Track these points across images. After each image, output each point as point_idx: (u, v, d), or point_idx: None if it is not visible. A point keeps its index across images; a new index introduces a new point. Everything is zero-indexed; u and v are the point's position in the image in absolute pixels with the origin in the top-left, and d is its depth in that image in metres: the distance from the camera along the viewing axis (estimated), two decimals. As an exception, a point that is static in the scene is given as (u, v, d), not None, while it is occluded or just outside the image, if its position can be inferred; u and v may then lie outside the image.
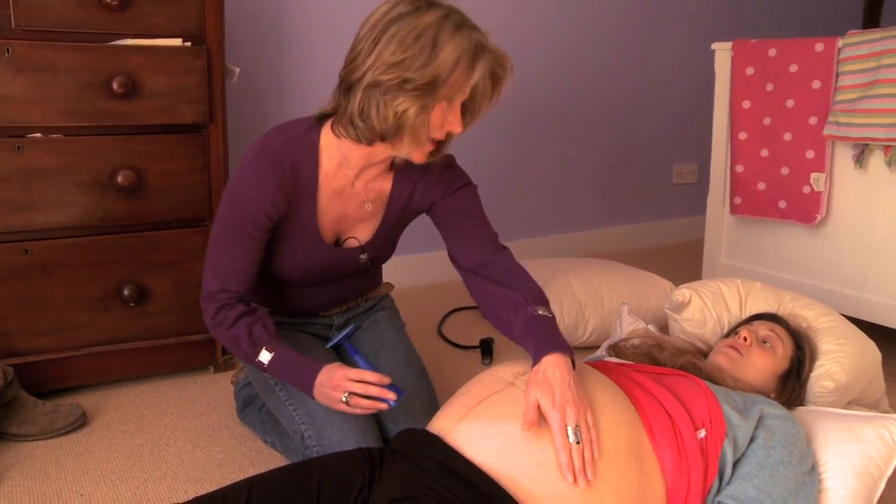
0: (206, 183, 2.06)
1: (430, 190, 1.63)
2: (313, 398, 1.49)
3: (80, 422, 1.85)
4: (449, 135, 1.49)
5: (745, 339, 1.64)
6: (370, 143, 1.47)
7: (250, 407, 1.89)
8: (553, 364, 1.33)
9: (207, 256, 1.57)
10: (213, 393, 2.06)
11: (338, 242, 1.65)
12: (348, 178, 1.56)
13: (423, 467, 1.25)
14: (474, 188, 1.67)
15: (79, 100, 1.89)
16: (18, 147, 1.86)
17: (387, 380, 1.43)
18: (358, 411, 1.43)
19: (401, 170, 1.61)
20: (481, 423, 1.30)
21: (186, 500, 1.26)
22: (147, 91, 1.95)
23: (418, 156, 1.48)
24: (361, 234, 1.65)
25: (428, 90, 1.36)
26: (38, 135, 1.88)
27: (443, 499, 1.19)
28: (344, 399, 1.42)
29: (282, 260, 1.61)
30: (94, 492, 1.60)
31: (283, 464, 1.70)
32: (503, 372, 1.43)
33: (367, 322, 1.84)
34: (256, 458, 1.75)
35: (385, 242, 1.69)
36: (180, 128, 2.03)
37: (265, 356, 1.50)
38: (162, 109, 1.98)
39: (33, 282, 1.91)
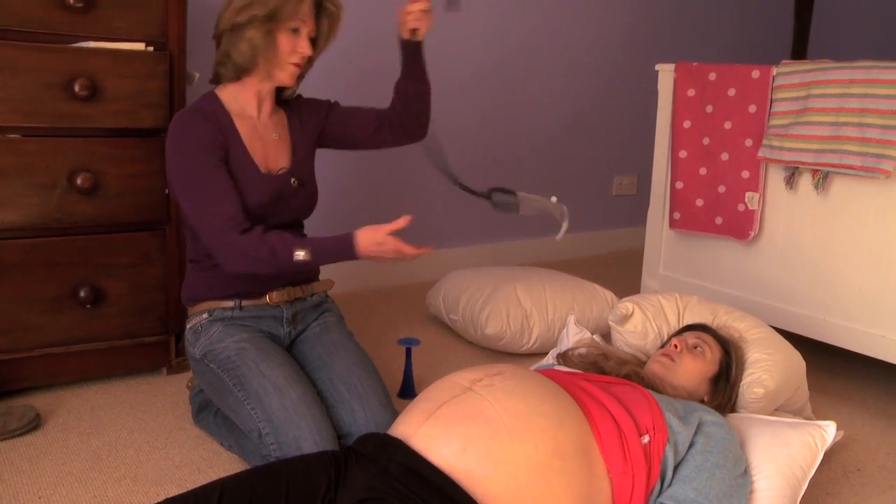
0: (164, 187, 2.07)
1: (311, 115, 1.97)
2: (356, 257, 1.70)
3: (35, 423, 1.85)
4: (307, 59, 1.83)
5: (676, 346, 1.78)
6: (239, 77, 1.80)
7: (205, 411, 1.92)
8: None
9: (194, 208, 1.71)
10: (167, 394, 2.08)
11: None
12: (253, 116, 1.85)
13: (387, 470, 1.32)
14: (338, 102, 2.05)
15: (39, 100, 1.89)
16: (-25, 147, 1.85)
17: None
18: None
19: (287, 105, 1.95)
20: (442, 426, 1.37)
21: (154, 502, 1.29)
22: (108, 94, 1.96)
23: (286, 78, 1.81)
24: (284, 161, 1.88)
25: (269, 19, 1.71)
26: (-4, 134, 1.88)
27: (407, 500, 1.25)
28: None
29: None
30: (52, 494, 1.61)
31: (241, 465, 1.74)
32: (460, 378, 1.50)
33: (319, 328, 1.92)
34: (215, 459, 1.78)
35: (303, 166, 1.93)
36: (140, 132, 2.04)
37: (300, 253, 1.67)
38: (122, 113, 1.99)
39: (-13, 282, 1.91)
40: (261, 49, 1.74)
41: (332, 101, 2.04)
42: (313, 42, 1.82)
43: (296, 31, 1.76)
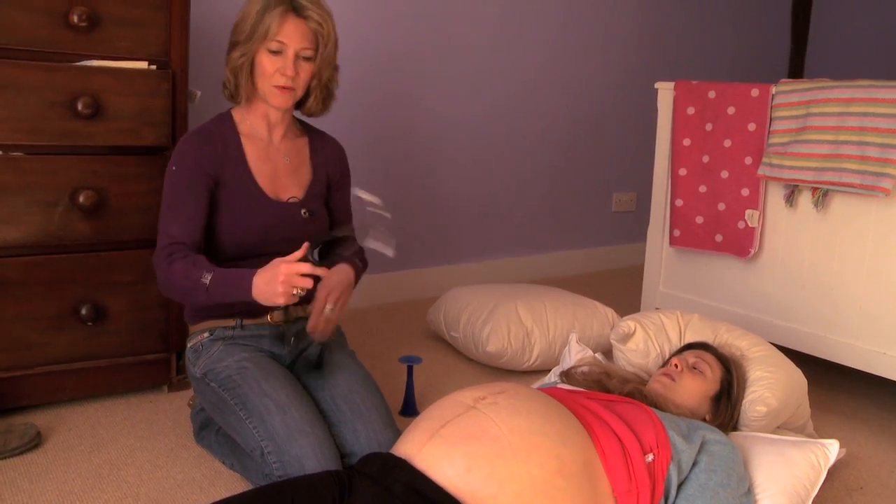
0: (166, 204, 2.08)
1: (334, 162, 1.95)
2: (252, 298, 1.59)
3: (35, 442, 1.84)
4: (302, 81, 1.77)
5: (676, 365, 1.78)
6: (236, 100, 1.81)
7: (207, 430, 1.91)
8: (340, 268, 1.74)
9: (162, 222, 1.74)
10: (168, 412, 2.07)
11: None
12: (264, 138, 1.84)
13: (392, 490, 1.31)
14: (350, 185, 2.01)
15: (42, 119, 1.89)
16: (-21, 164, 1.85)
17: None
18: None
19: (316, 137, 1.94)
20: (446, 446, 1.37)
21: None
22: (111, 112, 1.97)
23: (273, 101, 1.77)
24: (297, 191, 1.85)
25: (247, 41, 1.71)
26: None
27: (412, 520, 1.25)
28: (296, 292, 1.56)
29: (234, 221, 1.76)
30: (53, 513, 1.60)
31: (243, 485, 1.74)
32: (464, 396, 1.49)
33: (322, 347, 1.91)
34: (217, 478, 1.77)
35: (318, 199, 1.90)
36: (142, 150, 2.05)
37: (207, 277, 1.62)
38: (125, 131, 2.00)
39: (-12, 300, 1.90)
40: (239, 71, 1.75)
41: (350, 179, 1.98)
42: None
43: (277, 52, 1.72)
